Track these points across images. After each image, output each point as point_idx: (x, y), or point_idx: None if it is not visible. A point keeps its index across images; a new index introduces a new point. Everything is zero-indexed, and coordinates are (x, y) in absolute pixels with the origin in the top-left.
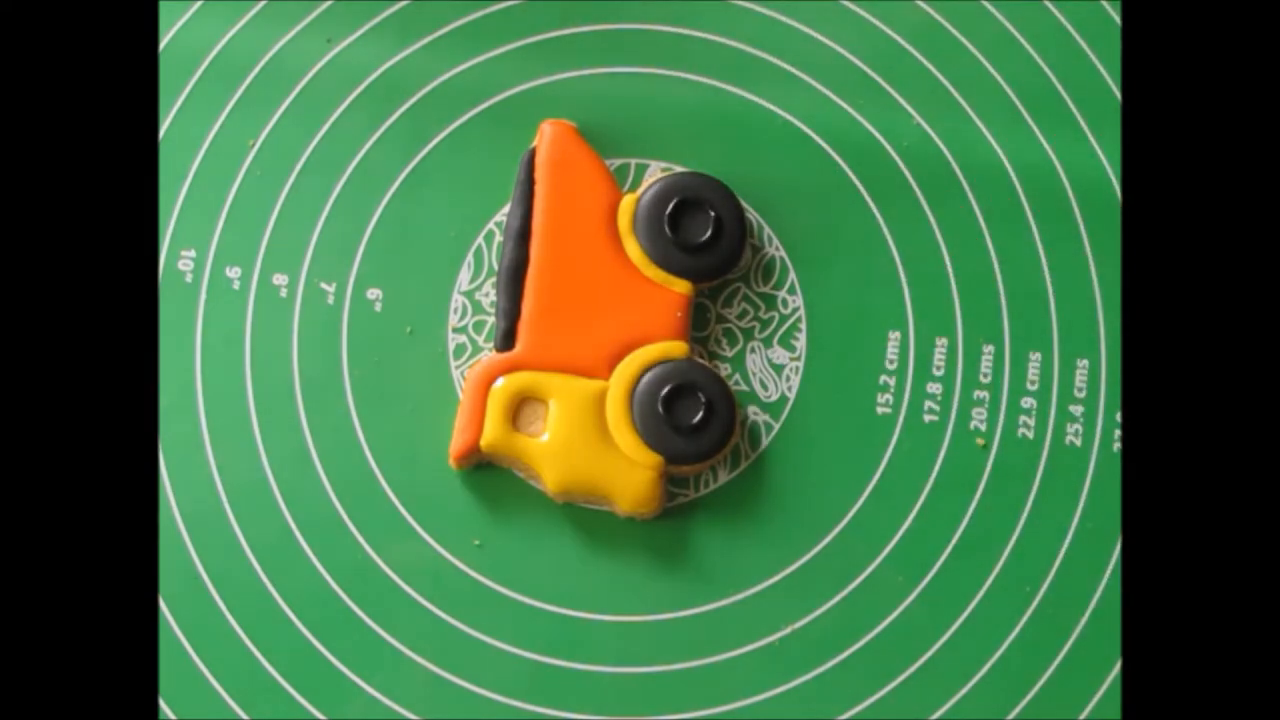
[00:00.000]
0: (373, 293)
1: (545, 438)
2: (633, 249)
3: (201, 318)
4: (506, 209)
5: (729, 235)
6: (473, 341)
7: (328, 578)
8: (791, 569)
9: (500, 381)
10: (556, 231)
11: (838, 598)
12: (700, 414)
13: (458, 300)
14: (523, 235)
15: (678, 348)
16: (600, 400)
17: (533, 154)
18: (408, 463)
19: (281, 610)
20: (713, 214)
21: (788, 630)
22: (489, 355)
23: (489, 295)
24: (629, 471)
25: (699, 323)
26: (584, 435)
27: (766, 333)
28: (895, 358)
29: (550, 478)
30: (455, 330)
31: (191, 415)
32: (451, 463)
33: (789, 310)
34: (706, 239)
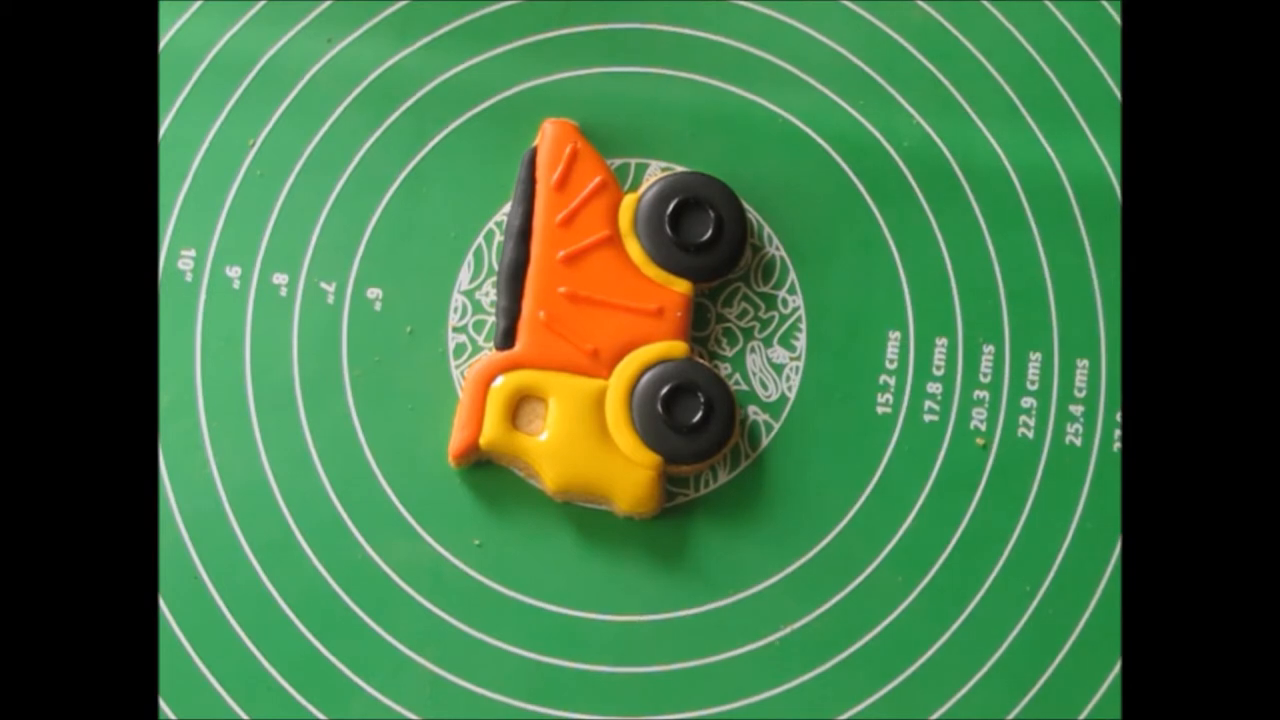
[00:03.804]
0: (373, 292)
1: (544, 436)
2: (633, 248)
3: (201, 317)
4: (507, 208)
5: (730, 235)
6: (473, 341)
7: (328, 577)
8: (791, 569)
9: (500, 380)
10: (563, 236)
11: (838, 597)
12: (700, 414)
13: (458, 300)
14: (523, 234)
15: (678, 348)
16: (600, 399)
17: (534, 153)
18: (408, 462)
19: (281, 610)
20: (713, 214)
21: (787, 630)
22: (489, 353)
23: (489, 295)
24: (628, 471)
25: (699, 322)
26: (583, 434)
27: (766, 332)
28: (895, 357)
29: (549, 476)
30: (455, 330)
31: (191, 415)
32: (451, 461)
33: (789, 310)
34: (707, 239)
